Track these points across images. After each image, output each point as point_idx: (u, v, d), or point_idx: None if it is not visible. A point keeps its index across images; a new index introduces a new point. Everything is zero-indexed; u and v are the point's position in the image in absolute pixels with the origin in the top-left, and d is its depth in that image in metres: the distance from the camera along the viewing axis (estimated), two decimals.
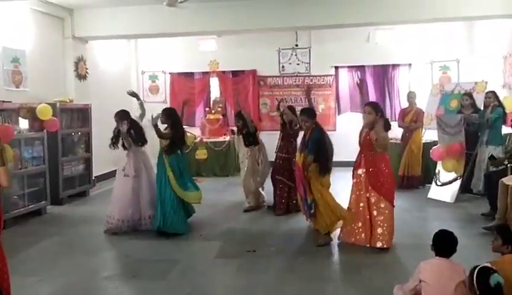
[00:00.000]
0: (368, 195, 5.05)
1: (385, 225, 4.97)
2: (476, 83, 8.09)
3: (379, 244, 4.96)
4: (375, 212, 5.01)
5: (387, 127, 5.08)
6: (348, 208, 5.23)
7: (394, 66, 10.67)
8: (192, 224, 6.18)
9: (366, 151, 5.09)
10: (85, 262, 4.87)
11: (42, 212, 6.91)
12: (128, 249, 5.26)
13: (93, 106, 8.72)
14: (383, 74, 10.72)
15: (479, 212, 6.20)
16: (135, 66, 11.50)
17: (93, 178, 8.75)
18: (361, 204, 5.10)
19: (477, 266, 2.71)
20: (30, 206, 6.69)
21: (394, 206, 5.05)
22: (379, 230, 4.98)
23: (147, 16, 8.36)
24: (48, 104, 7.07)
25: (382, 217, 4.97)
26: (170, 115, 5.88)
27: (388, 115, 10.55)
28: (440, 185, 7.28)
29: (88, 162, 8.43)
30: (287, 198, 6.63)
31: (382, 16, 8.02)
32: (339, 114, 10.90)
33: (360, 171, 5.14)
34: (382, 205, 4.97)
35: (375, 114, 4.96)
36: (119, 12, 8.42)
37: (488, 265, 2.75)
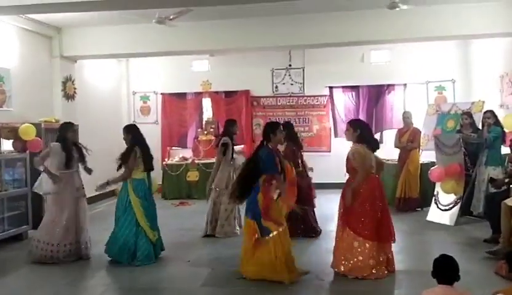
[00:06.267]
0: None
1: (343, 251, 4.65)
2: (472, 103, 7.98)
3: (341, 268, 4.65)
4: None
5: (371, 146, 4.82)
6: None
7: (389, 86, 10.54)
8: (180, 248, 5.91)
9: (349, 174, 4.82)
10: (65, 291, 4.57)
11: (23, 237, 6.58)
12: (109, 277, 4.94)
13: (81, 126, 8.47)
14: (378, 94, 10.58)
15: (481, 235, 5.95)
16: (126, 86, 11.32)
17: None
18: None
19: None
20: (10, 231, 6.37)
21: (364, 237, 4.59)
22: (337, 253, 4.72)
23: (137, 35, 8.23)
24: (33, 124, 6.84)
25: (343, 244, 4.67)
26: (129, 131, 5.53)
27: (384, 135, 10.41)
28: (444, 210, 6.99)
29: None
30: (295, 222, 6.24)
31: (377, 34, 7.91)
32: (336, 136, 10.69)
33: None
34: (345, 233, 4.67)
35: (353, 130, 4.79)
36: (108, 31, 8.30)
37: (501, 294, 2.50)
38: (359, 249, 4.58)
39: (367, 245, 4.57)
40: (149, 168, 5.47)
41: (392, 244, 4.88)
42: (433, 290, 3.00)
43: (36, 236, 5.54)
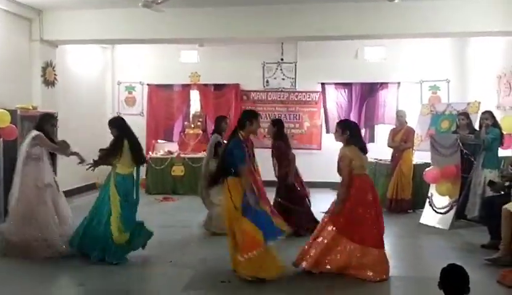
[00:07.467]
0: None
1: (317, 247, 4.46)
2: (468, 103, 7.79)
3: (303, 264, 4.49)
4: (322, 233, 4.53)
5: (360, 148, 4.61)
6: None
7: (382, 84, 10.28)
8: (162, 247, 5.53)
9: (341, 176, 4.64)
10: (34, 291, 4.20)
11: None
12: (83, 276, 4.56)
13: (61, 114, 8.06)
14: (371, 92, 10.31)
15: (477, 240, 5.71)
16: (111, 76, 10.86)
17: None
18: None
19: None
20: None
21: (344, 235, 4.44)
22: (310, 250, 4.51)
23: (123, 20, 7.84)
24: (8, 110, 6.41)
25: (321, 239, 4.48)
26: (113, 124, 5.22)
27: (375, 135, 10.16)
28: (439, 213, 6.73)
29: None
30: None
31: (373, 29, 7.65)
32: (328, 132, 10.40)
33: None
34: (329, 228, 4.48)
35: (341, 132, 4.60)
36: (92, 15, 7.88)
37: None
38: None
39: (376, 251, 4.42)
40: (140, 160, 5.13)
41: None
42: None
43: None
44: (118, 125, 5.18)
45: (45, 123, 5.38)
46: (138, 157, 5.11)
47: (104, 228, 4.88)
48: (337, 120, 10.10)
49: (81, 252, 5.01)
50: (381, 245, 4.48)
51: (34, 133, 5.26)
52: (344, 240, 4.43)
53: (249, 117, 4.59)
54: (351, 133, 4.59)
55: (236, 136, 4.52)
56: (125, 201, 4.98)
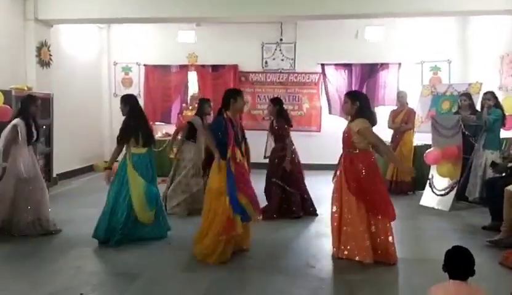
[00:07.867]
0: (343, 197, 4.44)
1: (364, 237, 4.29)
2: (469, 84, 7.68)
3: (343, 254, 4.36)
4: (347, 216, 4.39)
5: (371, 120, 4.45)
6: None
7: (383, 65, 10.14)
8: None
9: (345, 148, 4.50)
10: (28, 274, 4.12)
11: None
12: (80, 259, 4.50)
13: (57, 95, 7.97)
14: (371, 72, 10.18)
15: (478, 222, 5.68)
16: (107, 56, 10.69)
17: (55, 176, 7.98)
18: (336, 209, 4.48)
19: None
20: None
21: (378, 216, 4.37)
22: (343, 238, 4.38)
23: None
24: (2, 91, 6.32)
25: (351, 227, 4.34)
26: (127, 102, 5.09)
27: (377, 115, 10.02)
28: (439, 195, 6.68)
29: (48, 158, 7.65)
30: (279, 202, 6.08)
31: (372, 7, 7.45)
32: (330, 112, 10.28)
33: (338, 172, 4.57)
34: (361, 212, 4.34)
35: (351, 103, 4.43)
36: None
37: None
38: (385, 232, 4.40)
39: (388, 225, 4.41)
40: (144, 143, 5.00)
41: None
42: (444, 285, 2.66)
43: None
44: (128, 102, 5.06)
45: (30, 105, 5.28)
46: (142, 139, 4.98)
47: (127, 213, 4.82)
48: (338, 102, 10.14)
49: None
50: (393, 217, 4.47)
51: (16, 121, 5.15)
52: (374, 220, 4.39)
53: (232, 95, 4.52)
54: (360, 104, 4.43)
55: (221, 116, 4.46)
56: (147, 181, 4.91)
